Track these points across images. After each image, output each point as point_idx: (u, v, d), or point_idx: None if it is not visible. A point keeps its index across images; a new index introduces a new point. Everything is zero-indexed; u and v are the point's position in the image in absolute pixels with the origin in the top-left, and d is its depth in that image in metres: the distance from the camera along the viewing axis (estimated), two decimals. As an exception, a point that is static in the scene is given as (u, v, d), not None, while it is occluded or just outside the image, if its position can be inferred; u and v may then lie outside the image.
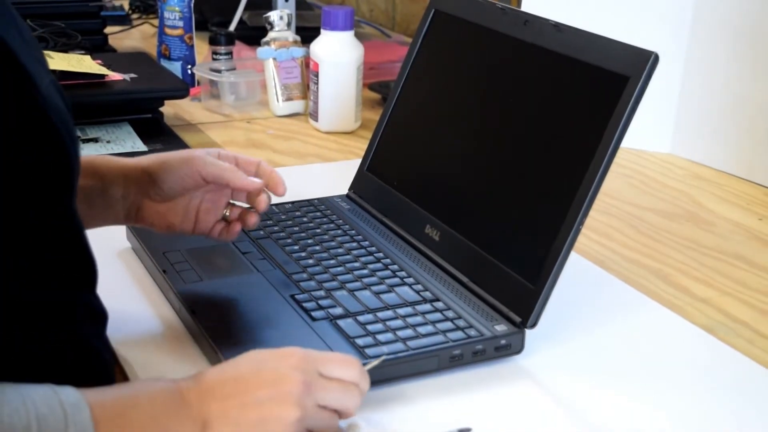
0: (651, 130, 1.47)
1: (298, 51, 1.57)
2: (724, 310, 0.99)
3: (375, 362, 0.77)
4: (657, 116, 1.47)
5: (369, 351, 0.80)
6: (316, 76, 1.48)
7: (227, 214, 0.94)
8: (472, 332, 0.85)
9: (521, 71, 0.95)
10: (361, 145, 1.40)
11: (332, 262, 0.97)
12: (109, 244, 1.03)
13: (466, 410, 0.79)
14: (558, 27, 0.92)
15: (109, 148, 1.35)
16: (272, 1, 1.91)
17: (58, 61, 1.42)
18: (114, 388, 0.66)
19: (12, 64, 0.61)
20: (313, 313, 0.87)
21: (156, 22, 1.89)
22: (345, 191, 1.15)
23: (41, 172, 0.63)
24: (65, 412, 0.60)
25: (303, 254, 0.98)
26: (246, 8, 1.89)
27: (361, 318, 0.86)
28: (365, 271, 0.95)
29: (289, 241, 1.01)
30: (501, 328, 0.85)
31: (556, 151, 0.90)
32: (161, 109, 1.50)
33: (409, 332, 0.84)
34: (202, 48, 1.77)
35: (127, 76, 1.46)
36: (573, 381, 0.84)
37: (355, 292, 0.91)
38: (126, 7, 2.27)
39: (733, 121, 1.39)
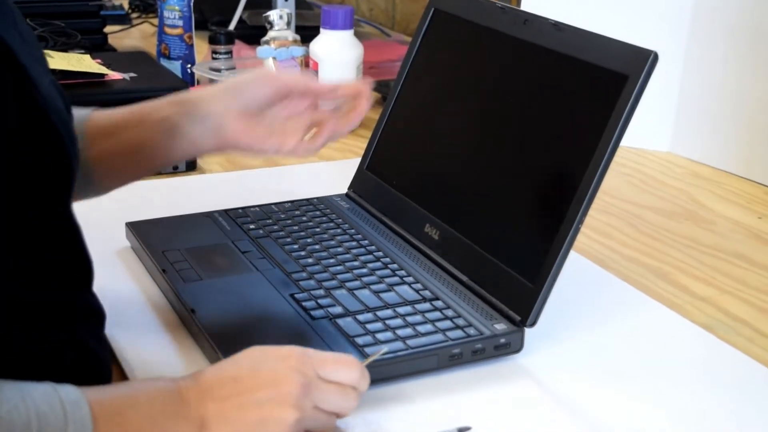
0: (650, 129, 1.47)
1: (298, 50, 1.57)
2: (723, 309, 0.99)
3: (375, 355, 0.77)
4: (656, 115, 1.47)
5: (368, 350, 0.80)
6: (316, 75, 1.48)
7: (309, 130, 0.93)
8: (472, 331, 0.85)
9: (521, 70, 0.95)
10: (360, 144, 1.40)
11: (332, 261, 0.97)
12: (108, 243, 1.03)
13: (466, 409, 0.79)
14: (557, 26, 0.92)
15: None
16: (272, 1, 1.91)
17: (58, 60, 1.42)
18: (113, 386, 0.66)
19: (12, 64, 0.61)
20: (313, 312, 0.87)
21: (156, 21, 1.89)
22: (344, 190, 1.15)
23: (41, 173, 0.63)
24: (65, 410, 0.60)
25: (302, 253, 0.98)
26: (246, 7, 1.89)
27: (360, 317, 0.86)
28: (365, 270, 0.95)
29: (288, 240, 1.01)
30: (500, 326, 0.85)
31: (555, 149, 0.91)
32: (161, 108, 1.50)
33: (408, 331, 0.84)
34: (201, 47, 1.76)
35: (126, 76, 1.46)
36: (573, 380, 0.84)
37: (355, 291, 0.91)
38: (126, 6, 2.27)
39: (732, 120, 1.39)
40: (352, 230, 1.04)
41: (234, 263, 0.97)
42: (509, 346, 0.85)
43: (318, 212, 1.09)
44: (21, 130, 0.61)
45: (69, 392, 0.62)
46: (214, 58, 1.64)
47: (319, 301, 0.89)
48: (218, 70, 1.60)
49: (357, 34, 1.52)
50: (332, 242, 1.01)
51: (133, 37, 2.10)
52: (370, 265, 0.96)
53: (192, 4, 1.67)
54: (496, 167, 0.96)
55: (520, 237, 0.90)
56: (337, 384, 0.71)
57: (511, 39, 0.97)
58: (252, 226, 1.04)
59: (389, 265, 0.96)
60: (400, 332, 0.84)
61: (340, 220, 1.07)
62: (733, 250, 1.14)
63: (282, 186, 1.24)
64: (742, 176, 1.39)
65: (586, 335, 0.91)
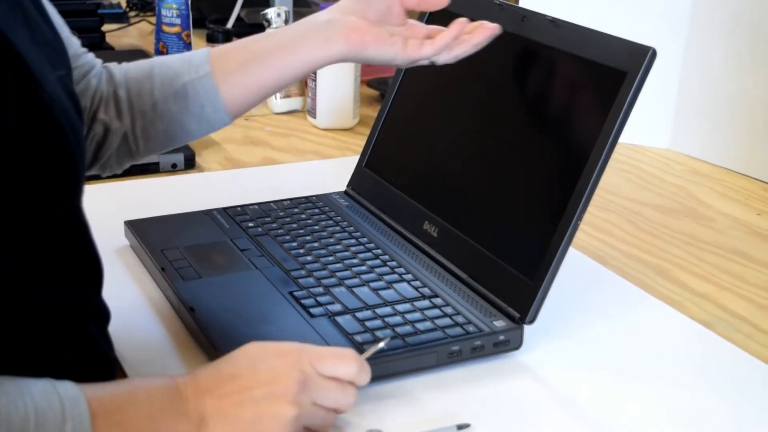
0: (649, 126, 1.47)
1: (296, 48, 1.57)
2: (722, 305, 0.99)
3: (372, 349, 0.77)
4: (655, 111, 1.47)
5: (368, 347, 0.80)
6: (314, 73, 1.48)
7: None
8: (471, 328, 0.85)
9: (519, 67, 0.95)
10: (359, 142, 1.40)
11: (330, 258, 0.97)
12: (107, 242, 1.03)
13: (465, 406, 0.79)
14: (556, 23, 0.92)
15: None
16: (269, -2, 1.91)
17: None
18: (113, 383, 0.66)
19: (14, 60, 0.61)
20: (312, 310, 0.87)
21: (153, 19, 1.89)
22: (343, 188, 1.15)
23: (41, 172, 0.63)
24: (63, 406, 0.60)
25: (301, 251, 0.98)
26: (243, 5, 1.89)
27: (359, 314, 0.86)
28: (363, 268, 0.95)
29: (287, 238, 1.01)
30: (499, 324, 0.85)
31: (554, 146, 0.90)
32: (159, 106, 1.50)
33: (407, 328, 0.84)
34: (199, 45, 1.76)
35: (124, 74, 1.46)
36: (572, 377, 0.84)
37: (354, 289, 0.91)
38: (123, 4, 2.27)
39: (731, 117, 1.39)
40: (351, 228, 1.04)
41: (233, 261, 0.97)
42: (508, 343, 0.85)
43: (317, 210, 1.09)
44: (22, 127, 0.61)
45: (67, 388, 0.62)
46: (212, 56, 1.64)
47: (318, 298, 0.89)
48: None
49: (355, 32, 1.52)
50: (331, 240, 1.01)
51: (131, 35, 2.10)
52: (369, 263, 0.96)
53: (190, 2, 1.67)
54: (495, 164, 0.96)
55: (519, 234, 0.90)
56: (336, 380, 0.71)
57: (510, 36, 0.97)
58: (251, 224, 1.04)
59: (388, 263, 0.96)
60: (399, 330, 0.84)
61: (338, 218, 1.07)
62: (732, 246, 1.14)
63: (281, 184, 1.24)
64: (741, 173, 1.39)
65: (585, 332, 0.91)
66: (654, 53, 0.82)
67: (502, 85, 0.97)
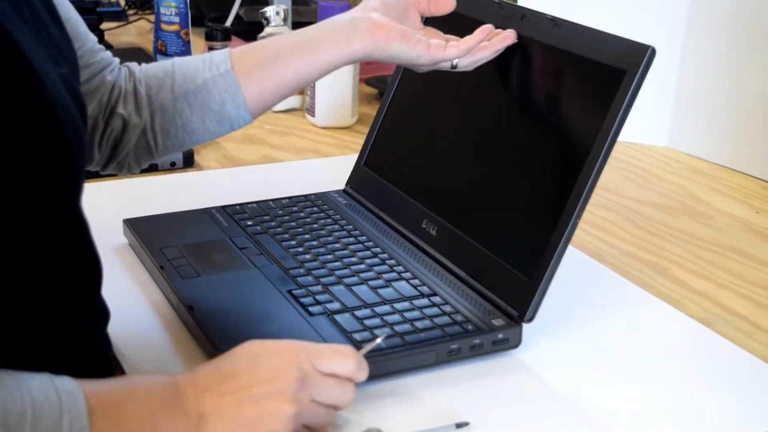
0: (648, 124, 1.47)
1: (295, 46, 1.57)
2: (721, 304, 1.00)
3: (370, 345, 0.77)
4: (654, 110, 1.47)
5: (366, 345, 0.80)
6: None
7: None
8: (470, 326, 0.85)
9: (518, 65, 0.95)
10: (358, 140, 1.40)
11: (329, 257, 0.97)
12: (106, 240, 1.03)
13: (464, 404, 0.79)
14: (555, 21, 0.92)
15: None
16: (268, -3, 1.91)
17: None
18: (112, 380, 0.66)
19: (16, 58, 0.61)
20: (311, 308, 0.87)
21: (152, 17, 1.89)
22: (342, 186, 1.15)
23: (41, 169, 0.63)
24: (60, 400, 0.60)
25: (300, 249, 0.98)
26: (242, 3, 1.88)
27: (358, 313, 0.86)
28: (362, 266, 0.95)
29: (286, 236, 1.01)
30: (498, 322, 0.86)
31: (553, 145, 0.90)
32: (158, 104, 1.50)
33: (406, 327, 0.84)
34: (198, 43, 1.76)
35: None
36: (570, 375, 0.84)
37: (353, 287, 0.91)
38: (122, 2, 2.27)
39: (729, 115, 1.39)
40: (350, 226, 1.04)
41: (231, 260, 0.97)
42: (507, 342, 0.85)
43: (315, 208, 1.09)
44: (22, 124, 0.61)
45: (65, 383, 0.61)
46: (210, 55, 1.64)
47: (317, 297, 0.89)
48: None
49: (354, 30, 1.52)
50: (330, 238, 1.01)
51: (130, 33, 2.10)
52: (368, 261, 0.96)
53: (189, 0, 1.67)
54: (494, 163, 0.96)
55: (518, 232, 0.90)
56: (334, 376, 0.71)
57: (508, 34, 0.97)
58: (249, 223, 1.04)
59: (387, 261, 0.96)
60: (398, 328, 0.84)
61: (337, 216, 1.07)
62: (731, 244, 1.14)
63: (279, 182, 1.24)
64: (739, 171, 1.39)
65: (584, 330, 0.91)
66: (653, 52, 0.82)
67: (501, 84, 0.97)
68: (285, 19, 1.59)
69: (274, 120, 1.54)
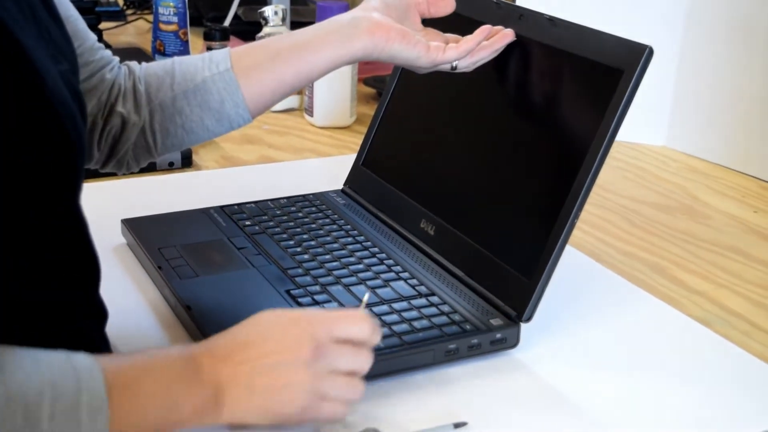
0: (646, 123, 1.47)
1: (293, 46, 1.57)
2: (719, 303, 1.00)
3: (362, 304, 0.77)
4: (652, 109, 1.47)
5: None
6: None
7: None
8: (468, 326, 0.85)
9: (516, 65, 0.95)
10: (356, 140, 1.40)
11: (327, 257, 0.97)
12: (104, 240, 1.03)
13: (462, 404, 0.79)
14: (553, 21, 0.92)
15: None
16: (267, -4, 1.91)
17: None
18: (129, 355, 0.66)
19: (18, 56, 0.61)
20: (309, 309, 0.87)
21: (151, 17, 1.89)
22: (340, 186, 1.15)
23: (41, 167, 0.63)
24: (79, 378, 0.60)
25: (298, 249, 0.98)
26: (240, 3, 1.88)
27: (356, 313, 0.86)
28: (360, 266, 0.95)
29: (284, 236, 1.01)
30: (496, 322, 0.86)
31: (550, 144, 0.91)
32: (156, 104, 1.50)
33: (404, 326, 0.84)
34: (196, 43, 1.76)
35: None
36: (569, 374, 0.84)
37: (351, 287, 0.91)
38: (120, 2, 2.27)
39: (727, 114, 1.40)
40: (348, 226, 1.04)
41: (230, 260, 0.97)
42: (505, 341, 0.85)
43: (314, 208, 1.09)
44: (22, 121, 0.61)
45: (82, 360, 0.62)
46: (209, 55, 1.64)
47: (315, 297, 0.89)
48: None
49: (352, 30, 1.52)
50: (328, 238, 1.01)
51: (128, 33, 2.10)
52: (366, 261, 0.96)
53: (187, 0, 1.67)
54: (492, 162, 0.96)
55: (516, 232, 0.90)
56: (350, 342, 0.70)
57: (506, 34, 0.97)
58: (248, 223, 1.04)
59: (385, 261, 0.96)
60: (396, 328, 0.84)
61: (335, 216, 1.07)
62: (729, 244, 1.14)
63: (278, 182, 1.24)
64: (737, 170, 1.39)
65: (582, 330, 0.91)
66: (651, 51, 0.82)
67: (498, 83, 0.97)
68: (283, 19, 1.59)
69: (273, 120, 1.54)
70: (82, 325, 0.71)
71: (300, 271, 0.94)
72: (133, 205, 1.10)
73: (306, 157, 1.38)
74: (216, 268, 0.95)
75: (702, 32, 1.41)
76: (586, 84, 0.88)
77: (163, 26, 1.67)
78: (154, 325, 0.89)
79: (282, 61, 0.89)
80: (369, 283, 0.91)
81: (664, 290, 1.02)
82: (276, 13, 1.57)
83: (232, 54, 0.90)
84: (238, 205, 1.09)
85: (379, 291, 0.90)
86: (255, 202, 1.10)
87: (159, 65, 0.93)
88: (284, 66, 0.89)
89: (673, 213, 1.23)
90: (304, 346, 0.67)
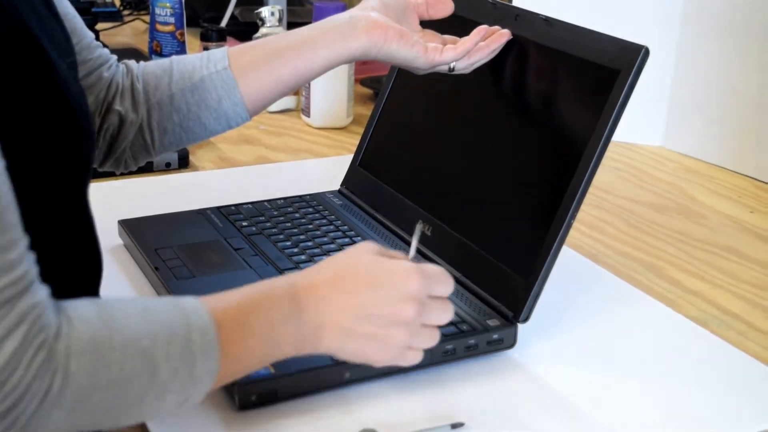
0: (642, 124, 1.47)
1: (290, 46, 1.57)
2: (715, 303, 1.00)
3: (416, 237, 0.79)
4: (648, 110, 1.47)
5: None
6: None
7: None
8: (465, 327, 0.85)
9: (512, 65, 0.95)
10: (353, 141, 1.40)
11: (324, 258, 0.97)
12: (101, 241, 1.03)
13: (459, 405, 0.79)
14: (549, 21, 0.92)
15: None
16: (263, -3, 1.91)
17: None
18: (235, 294, 0.68)
19: (32, 46, 0.62)
20: (306, 309, 0.87)
21: (147, 18, 1.89)
22: (337, 187, 1.15)
23: (53, 158, 0.64)
24: (188, 319, 0.63)
25: (295, 250, 0.98)
26: (237, 4, 1.88)
27: (353, 313, 0.86)
28: (357, 267, 0.95)
29: (281, 237, 1.01)
30: (493, 322, 0.86)
31: (547, 144, 0.91)
32: (153, 105, 1.50)
33: (401, 327, 0.84)
34: (193, 44, 1.76)
35: (118, 73, 1.46)
36: (566, 375, 0.84)
37: (348, 288, 0.91)
38: (117, 3, 2.26)
39: (723, 114, 1.40)
40: (345, 227, 1.04)
41: (227, 260, 0.97)
42: (502, 342, 0.85)
43: (310, 209, 1.09)
44: (38, 114, 0.62)
45: (188, 303, 0.64)
46: (205, 55, 1.64)
47: (312, 297, 0.89)
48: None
49: (349, 30, 1.52)
50: (325, 239, 1.01)
51: (125, 34, 2.10)
52: (363, 262, 0.96)
53: (184, 0, 1.67)
54: (488, 163, 0.96)
55: (513, 232, 0.90)
56: (441, 299, 0.73)
57: (503, 35, 0.97)
58: (244, 223, 1.04)
59: (382, 262, 0.96)
60: (393, 328, 0.84)
61: (332, 217, 1.07)
62: (725, 244, 1.14)
63: (274, 183, 1.24)
64: (733, 170, 1.39)
65: (579, 330, 0.91)
66: (647, 51, 0.82)
67: (495, 84, 0.98)
68: (280, 20, 1.59)
69: (269, 120, 1.54)
70: None
71: (297, 271, 0.93)
72: (129, 206, 1.10)
73: (303, 157, 1.38)
74: (213, 268, 0.95)
75: (698, 32, 1.42)
76: (583, 84, 0.88)
77: (159, 27, 1.67)
78: (151, 326, 0.89)
79: (280, 59, 0.89)
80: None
81: (660, 290, 1.02)
82: (273, 13, 1.57)
83: (230, 53, 0.91)
84: (235, 205, 1.09)
85: (375, 291, 0.90)
86: (252, 203, 1.10)
87: (157, 64, 0.93)
88: (282, 64, 0.89)
89: (670, 213, 1.23)
90: (410, 307, 0.70)
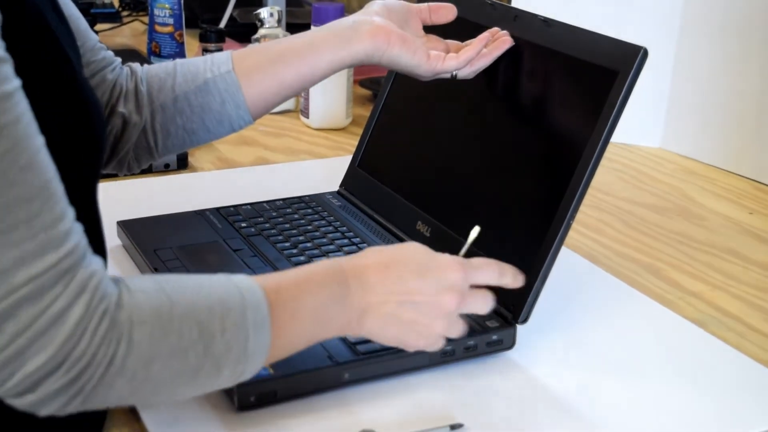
0: (641, 125, 1.48)
1: (289, 47, 1.57)
2: (715, 304, 1.00)
3: (471, 238, 0.82)
4: (647, 111, 1.47)
5: (360, 347, 0.80)
6: (307, 72, 1.47)
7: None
8: (464, 328, 0.85)
9: (511, 66, 0.95)
10: (352, 142, 1.40)
11: (323, 259, 0.97)
12: (99, 242, 1.03)
13: (458, 406, 0.79)
14: (547, 22, 0.92)
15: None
16: (262, -2, 1.91)
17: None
18: (288, 274, 0.70)
19: (52, 43, 0.64)
20: (305, 310, 0.87)
21: (146, 19, 1.89)
22: (336, 188, 1.15)
23: (69, 151, 0.65)
24: (243, 296, 0.64)
25: (294, 251, 0.98)
26: (236, 5, 1.88)
27: (352, 314, 0.86)
28: (356, 268, 0.95)
29: (280, 238, 1.01)
30: (492, 323, 0.86)
31: (546, 146, 0.91)
32: (152, 106, 1.50)
33: (400, 328, 0.84)
34: (192, 45, 1.76)
35: (117, 74, 1.45)
36: (565, 376, 0.84)
37: (347, 289, 0.91)
38: (116, 4, 2.26)
39: (722, 116, 1.40)
40: (344, 228, 1.04)
41: (226, 261, 0.97)
42: (501, 343, 0.85)
43: (310, 210, 1.09)
44: (55, 104, 0.64)
45: (242, 280, 0.66)
46: (204, 56, 1.64)
47: (311, 298, 0.89)
48: (209, 68, 1.59)
49: (348, 32, 1.52)
50: (324, 240, 1.01)
51: (124, 35, 2.10)
52: (362, 263, 0.96)
53: (182, 1, 1.67)
54: (487, 164, 0.96)
55: (512, 233, 0.90)
56: (482, 290, 0.75)
57: (502, 36, 0.97)
58: (244, 224, 1.04)
59: (381, 263, 0.96)
60: (392, 329, 0.84)
61: (331, 218, 1.07)
62: (725, 245, 1.14)
63: (273, 184, 1.24)
64: (732, 172, 1.39)
65: (578, 331, 0.91)
66: (645, 53, 0.82)
67: (493, 85, 0.98)
68: (279, 21, 1.59)
69: (268, 121, 1.54)
70: None
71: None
72: (128, 207, 1.09)
73: (302, 158, 1.38)
74: (212, 269, 0.95)
75: (697, 34, 1.42)
76: (582, 85, 0.88)
77: (158, 28, 1.67)
78: (150, 327, 0.89)
79: (283, 62, 0.89)
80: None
81: (659, 291, 1.02)
82: (271, 14, 1.57)
83: (234, 56, 0.91)
84: (234, 206, 1.09)
85: (375, 292, 0.90)
86: (251, 204, 1.10)
87: (161, 67, 0.94)
88: (285, 68, 0.90)
89: (669, 214, 1.23)
90: (452, 300, 0.72)
